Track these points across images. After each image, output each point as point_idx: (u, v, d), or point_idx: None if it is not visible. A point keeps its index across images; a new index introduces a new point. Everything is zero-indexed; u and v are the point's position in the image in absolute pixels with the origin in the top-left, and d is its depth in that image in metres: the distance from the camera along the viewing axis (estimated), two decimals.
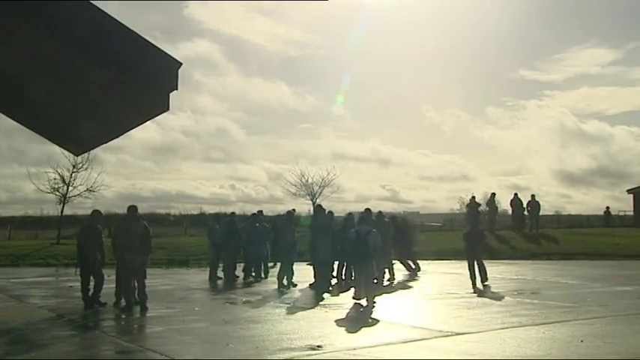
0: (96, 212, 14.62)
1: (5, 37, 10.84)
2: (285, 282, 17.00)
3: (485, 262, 17.00)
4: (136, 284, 13.14)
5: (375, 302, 13.54)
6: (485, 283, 16.93)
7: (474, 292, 15.92)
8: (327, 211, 18.29)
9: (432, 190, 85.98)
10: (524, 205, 32.79)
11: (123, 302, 13.42)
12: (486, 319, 11.77)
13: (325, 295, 15.48)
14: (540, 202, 33.49)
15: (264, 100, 78.15)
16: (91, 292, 13.52)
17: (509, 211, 34.40)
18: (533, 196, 33.14)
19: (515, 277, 19.18)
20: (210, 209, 48.84)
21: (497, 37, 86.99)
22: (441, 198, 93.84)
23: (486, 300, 14.49)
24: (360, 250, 13.76)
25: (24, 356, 8.91)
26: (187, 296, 14.11)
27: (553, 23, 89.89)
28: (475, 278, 16.94)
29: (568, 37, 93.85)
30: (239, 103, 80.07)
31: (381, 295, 15.06)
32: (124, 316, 12.77)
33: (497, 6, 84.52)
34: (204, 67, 74.89)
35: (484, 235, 19.87)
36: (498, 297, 14.87)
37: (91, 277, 13.60)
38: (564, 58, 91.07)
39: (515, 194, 33.54)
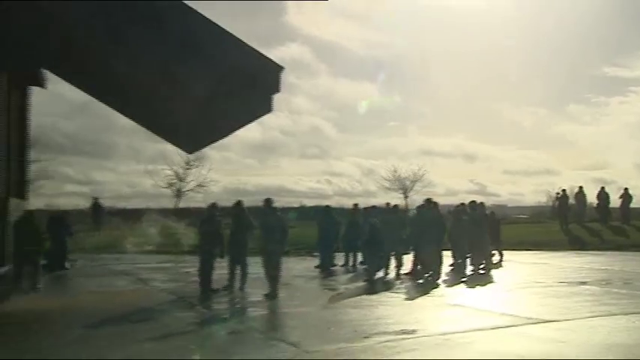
0: (214, 205, 14.92)
1: (127, 45, 11.24)
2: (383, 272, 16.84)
3: (574, 253, 16.47)
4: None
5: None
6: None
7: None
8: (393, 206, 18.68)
9: (517, 183, 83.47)
10: (611, 198, 31.60)
11: (236, 287, 13.77)
12: (575, 308, 11.34)
13: (419, 282, 15.42)
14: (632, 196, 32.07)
15: (352, 99, 77.99)
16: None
17: (594, 204, 33.09)
18: (626, 189, 31.64)
19: (603, 268, 18.41)
20: (309, 202, 49.20)
21: (579, 34, 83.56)
22: (527, 191, 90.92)
23: (574, 289, 13.97)
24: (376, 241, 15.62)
25: (152, 333, 9.23)
26: (290, 283, 14.25)
27: (637, 19, 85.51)
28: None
29: None
30: (330, 102, 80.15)
31: (472, 284, 14.93)
32: (237, 300, 13.05)
33: (580, 3, 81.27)
34: (298, 70, 75.41)
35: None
36: (586, 287, 14.35)
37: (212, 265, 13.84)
38: None
39: (602, 188, 32.25)
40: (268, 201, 13.62)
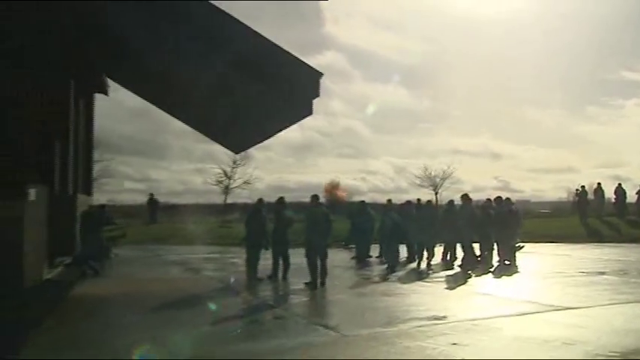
0: (260, 200, 15.00)
1: (181, 57, 11.38)
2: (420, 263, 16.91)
3: (593, 245, 16.20)
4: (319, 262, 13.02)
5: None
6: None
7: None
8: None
9: (539, 180, 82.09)
10: (628, 194, 31.03)
11: (279, 276, 13.86)
12: (594, 296, 11.17)
13: (450, 272, 15.40)
14: None
15: (385, 102, 77.39)
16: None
17: (612, 200, 32.50)
18: None
19: (620, 259, 18.08)
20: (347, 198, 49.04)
21: (598, 40, 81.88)
22: (549, 188, 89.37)
23: (594, 279, 13.76)
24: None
25: (203, 318, 9.34)
26: (329, 272, 14.24)
27: None
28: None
29: None
30: (364, 105, 79.67)
31: (498, 274, 14.82)
32: (280, 288, 13.12)
33: (598, 11, 79.62)
34: (334, 75, 75.30)
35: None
36: (605, 276, 14.12)
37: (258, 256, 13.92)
38: None
39: (619, 184, 31.71)
40: (315, 197, 13.58)
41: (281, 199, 14.63)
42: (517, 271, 15.41)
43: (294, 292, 12.47)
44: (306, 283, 12.82)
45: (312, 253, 12.99)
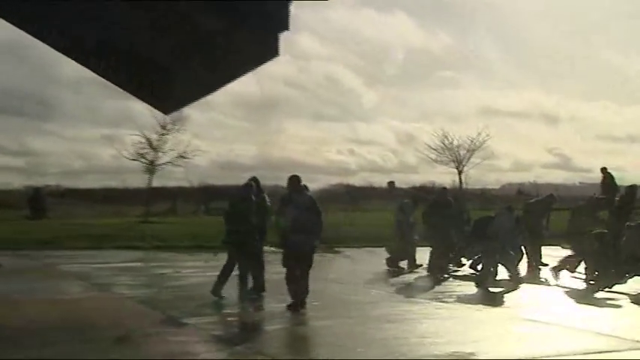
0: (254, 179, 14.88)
1: None
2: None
3: None
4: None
5: None
6: None
7: None
8: None
9: (619, 153, 79.32)
10: None
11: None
12: None
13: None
14: None
15: (384, 39, 76.27)
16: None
17: None
18: None
19: None
20: (329, 180, 49.24)
21: None
22: (632, 165, 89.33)
23: None
24: None
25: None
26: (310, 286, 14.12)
27: None
28: None
29: None
30: (351, 44, 78.61)
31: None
32: (232, 312, 13.12)
33: None
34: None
35: None
36: None
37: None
38: None
39: None
40: (295, 178, 13.05)
41: (254, 178, 14.76)
42: (576, 288, 15.48)
43: (256, 317, 12.61)
44: (288, 306, 12.58)
45: (290, 261, 12.71)
